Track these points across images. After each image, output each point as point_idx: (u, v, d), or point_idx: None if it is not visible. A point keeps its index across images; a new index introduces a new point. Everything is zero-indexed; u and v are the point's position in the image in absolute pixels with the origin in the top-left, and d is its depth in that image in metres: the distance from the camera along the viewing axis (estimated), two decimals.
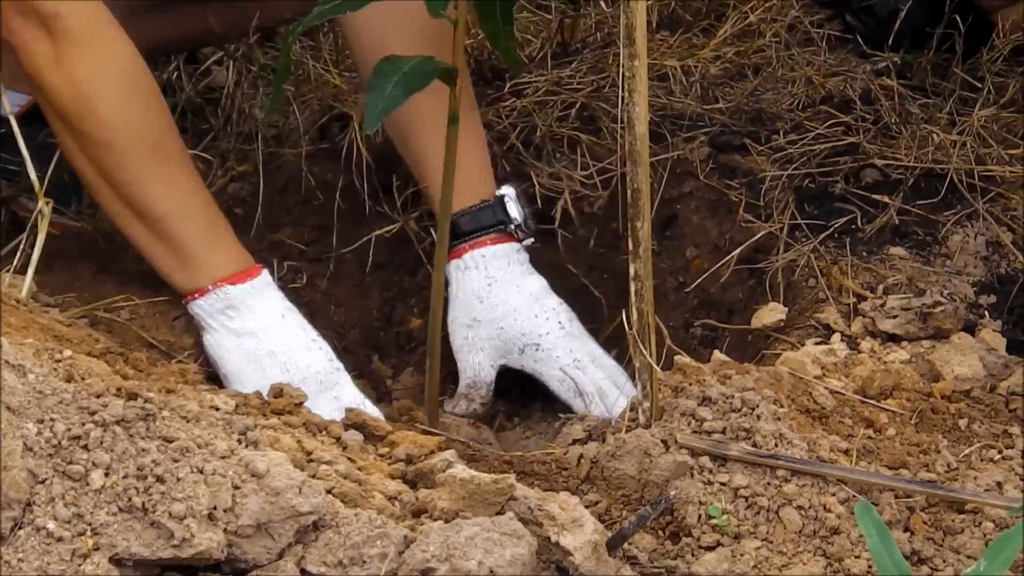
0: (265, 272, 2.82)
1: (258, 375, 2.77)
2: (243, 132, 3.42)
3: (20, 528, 1.90)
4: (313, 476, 2.13)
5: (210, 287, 2.73)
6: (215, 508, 1.96)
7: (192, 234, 2.81)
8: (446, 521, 2.08)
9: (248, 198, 3.32)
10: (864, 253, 2.91)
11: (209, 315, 2.77)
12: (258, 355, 2.82)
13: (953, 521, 2.28)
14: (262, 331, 2.82)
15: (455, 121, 2.52)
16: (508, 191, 2.95)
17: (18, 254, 2.81)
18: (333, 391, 2.85)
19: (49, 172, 2.99)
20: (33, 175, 2.75)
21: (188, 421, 2.15)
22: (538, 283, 2.96)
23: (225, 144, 3.38)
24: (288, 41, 3.10)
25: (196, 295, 2.75)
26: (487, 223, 2.90)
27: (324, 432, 2.39)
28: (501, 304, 2.91)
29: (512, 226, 2.88)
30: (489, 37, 2.53)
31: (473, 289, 2.90)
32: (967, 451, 2.47)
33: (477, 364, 2.97)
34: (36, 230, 2.70)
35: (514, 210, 2.95)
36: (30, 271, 2.64)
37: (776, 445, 2.36)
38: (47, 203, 2.65)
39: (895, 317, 2.78)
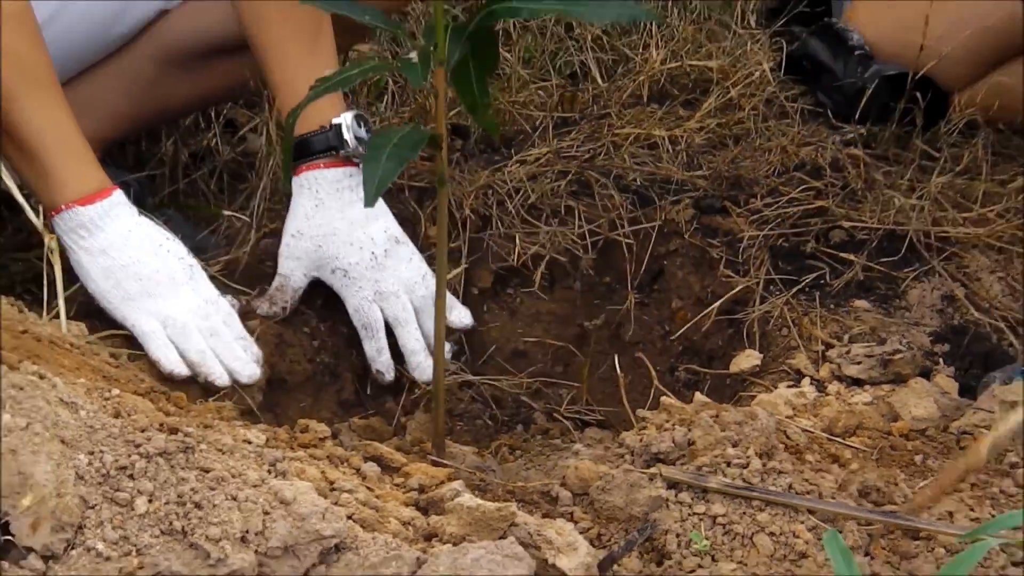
0: (118, 193, 2.89)
1: (117, 290, 2.90)
2: (275, 193, 3.43)
3: (72, 548, 2.02)
4: (335, 503, 2.24)
5: (63, 206, 2.83)
6: (247, 532, 2.06)
7: (54, 156, 2.92)
8: (454, 544, 2.17)
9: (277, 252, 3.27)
10: (832, 306, 3.01)
11: (65, 233, 2.86)
12: (112, 270, 2.92)
13: (909, 547, 2.33)
14: (111, 248, 2.92)
15: (443, 183, 2.52)
16: (346, 118, 3.05)
17: (46, 286, 2.85)
18: (189, 285, 2.95)
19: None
20: (31, 214, 2.89)
21: (223, 453, 2.26)
22: (362, 212, 3.09)
23: (258, 204, 3.37)
24: (289, 122, 3.32)
25: (53, 213, 2.85)
26: (320, 148, 3.02)
27: (345, 464, 2.50)
28: (324, 225, 3.05)
29: (345, 152, 3.02)
30: (468, 108, 2.49)
31: (303, 206, 3.05)
32: (922, 484, 2.50)
33: (289, 270, 3.07)
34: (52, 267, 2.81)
35: (349, 137, 3.06)
36: (62, 313, 2.72)
37: (762, 480, 2.44)
38: (52, 238, 2.83)
39: (859, 363, 2.85)
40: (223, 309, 2.95)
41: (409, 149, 2.33)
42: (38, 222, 2.82)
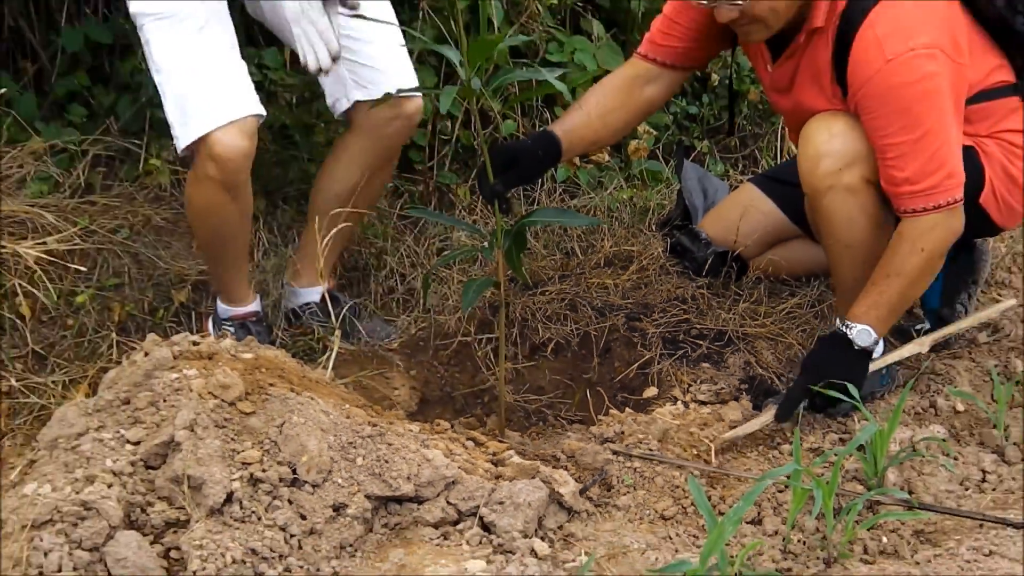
0: None
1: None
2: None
3: (326, 481, 2.70)
4: (451, 460, 2.83)
5: None
6: (409, 474, 2.75)
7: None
8: (509, 481, 2.81)
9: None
10: (692, 365, 3.62)
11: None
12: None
13: (732, 485, 3.07)
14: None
15: (503, 305, 3.17)
16: None
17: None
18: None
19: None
20: (336, 339, 3.32)
21: (398, 435, 2.85)
22: None
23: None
24: (425, 278, 3.48)
25: None
26: None
27: (457, 441, 3.05)
28: None
29: None
30: (512, 268, 3.13)
31: None
32: (735, 455, 3.25)
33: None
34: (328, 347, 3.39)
35: None
36: (330, 367, 3.29)
37: (659, 451, 3.12)
38: (335, 334, 3.23)
39: (704, 394, 3.51)
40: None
41: (484, 287, 3.14)
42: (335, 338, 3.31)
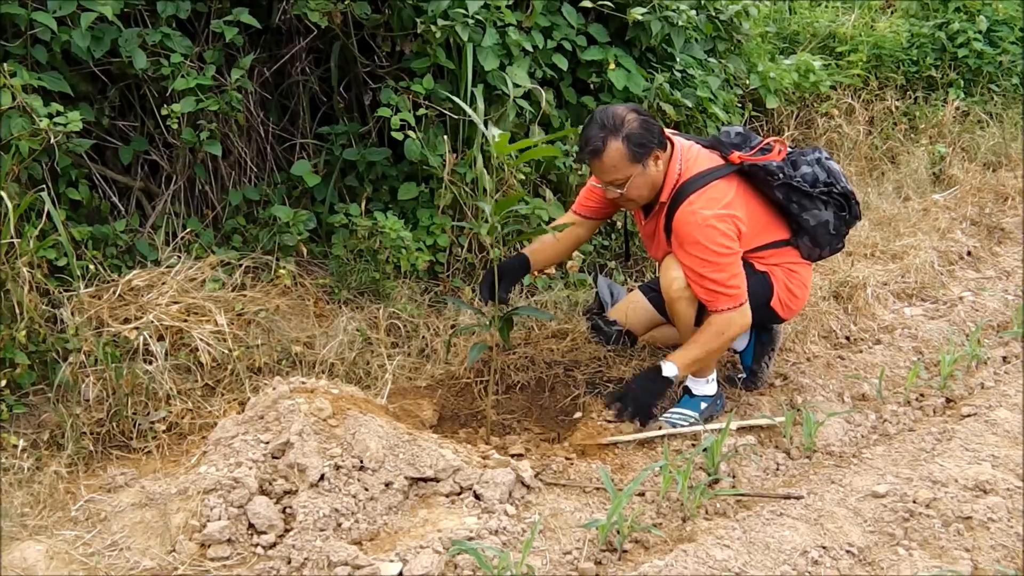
0: None
1: None
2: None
3: (380, 468, 2.65)
4: (456, 454, 2.79)
5: None
6: (429, 464, 2.71)
7: None
8: (492, 469, 2.77)
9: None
10: (604, 398, 3.34)
11: None
12: None
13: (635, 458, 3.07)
14: None
15: (494, 360, 3.19)
16: None
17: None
18: None
19: None
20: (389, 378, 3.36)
21: (425, 440, 2.81)
22: None
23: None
24: (447, 342, 3.45)
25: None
26: None
27: (460, 443, 2.98)
28: None
29: None
30: (501, 336, 3.12)
31: None
32: (631, 454, 3.10)
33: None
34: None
35: None
36: (384, 397, 3.24)
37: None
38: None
39: (610, 415, 3.21)
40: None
41: (482, 349, 3.12)
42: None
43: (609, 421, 3.28)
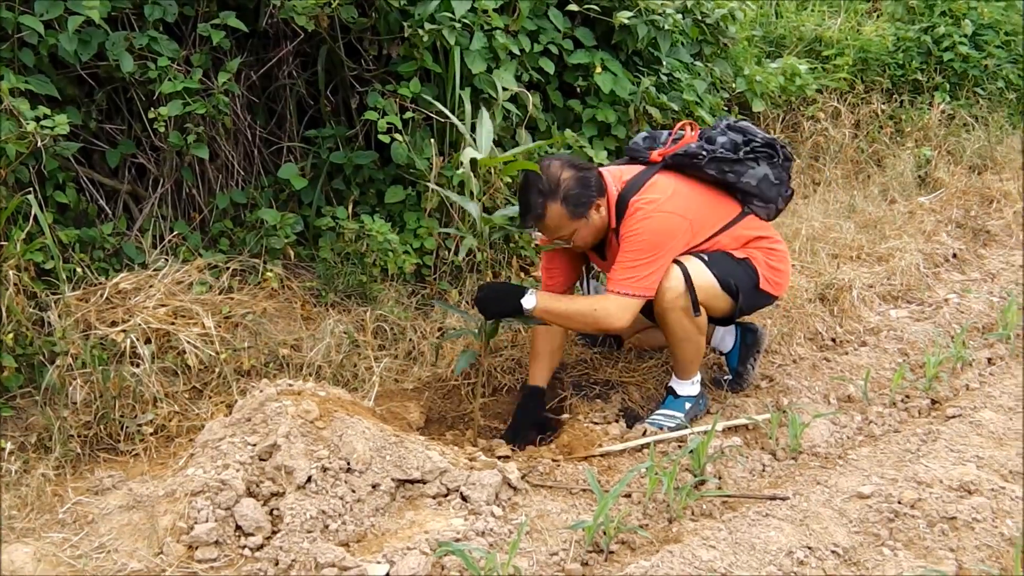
0: None
1: None
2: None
3: (368, 469, 2.62)
4: (444, 456, 2.77)
5: None
6: (417, 465, 2.68)
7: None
8: (479, 471, 2.74)
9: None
10: (590, 400, 3.44)
11: None
12: None
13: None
14: None
15: (481, 365, 3.29)
16: None
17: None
18: None
19: None
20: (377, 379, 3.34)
21: (412, 442, 2.77)
22: None
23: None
24: (437, 347, 3.44)
25: None
26: None
27: (447, 445, 2.96)
28: None
29: None
30: (488, 339, 3.07)
31: None
32: (617, 456, 3.08)
33: None
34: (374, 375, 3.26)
35: None
36: (371, 399, 3.20)
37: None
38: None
39: (596, 417, 3.27)
40: None
41: (472, 358, 3.11)
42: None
43: (595, 423, 3.31)
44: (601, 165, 3.32)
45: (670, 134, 3.21)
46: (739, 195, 3.22)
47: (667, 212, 3.04)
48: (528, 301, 3.02)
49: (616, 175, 3.15)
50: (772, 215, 3.29)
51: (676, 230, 3.05)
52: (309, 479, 2.54)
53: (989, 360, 3.81)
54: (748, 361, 3.52)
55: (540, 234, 3.16)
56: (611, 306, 3.01)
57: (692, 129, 3.19)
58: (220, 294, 3.37)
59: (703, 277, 3.12)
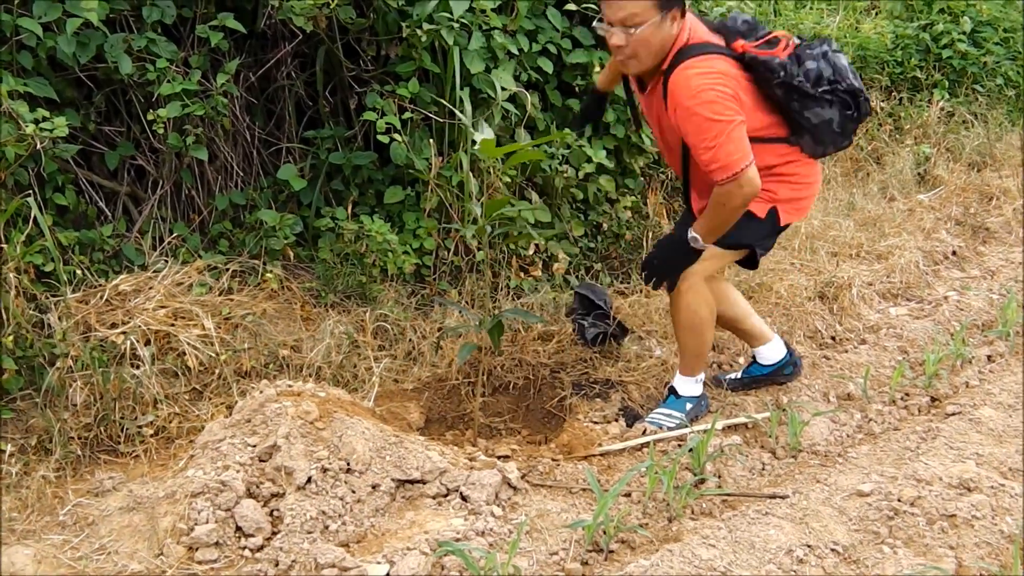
0: None
1: None
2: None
3: (367, 470, 2.63)
4: (443, 457, 2.79)
5: None
6: (417, 466, 2.70)
7: None
8: (479, 470, 2.75)
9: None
10: (589, 399, 3.45)
11: None
12: None
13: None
14: None
15: (483, 358, 3.38)
16: None
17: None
18: None
19: None
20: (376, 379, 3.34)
21: (412, 442, 2.80)
22: None
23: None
24: (436, 344, 3.44)
25: None
26: None
27: (447, 446, 2.96)
28: None
29: None
30: (491, 340, 3.07)
31: None
32: (616, 455, 3.11)
33: None
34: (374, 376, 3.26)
35: None
36: (371, 400, 3.21)
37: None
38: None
39: (596, 416, 3.29)
40: None
41: (471, 349, 3.07)
42: None
43: (595, 422, 3.30)
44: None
45: (767, 33, 3.04)
46: (793, 124, 3.05)
47: (718, 91, 2.87)
48: (696, 242, 3.04)
49: (695, 25, 2.97)
50: (817, 156, 3.12)
51: (730, 103, 2.88)
52: (309, 480, 2.54)
53: (989, 357, 3.82)
54: (759, 387, 3.54)
55: (603, 24, 2.93)
56: (732, 189, 2.89)
57: (788, 42, 3.01)
58: (220, 295, 3.37)
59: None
